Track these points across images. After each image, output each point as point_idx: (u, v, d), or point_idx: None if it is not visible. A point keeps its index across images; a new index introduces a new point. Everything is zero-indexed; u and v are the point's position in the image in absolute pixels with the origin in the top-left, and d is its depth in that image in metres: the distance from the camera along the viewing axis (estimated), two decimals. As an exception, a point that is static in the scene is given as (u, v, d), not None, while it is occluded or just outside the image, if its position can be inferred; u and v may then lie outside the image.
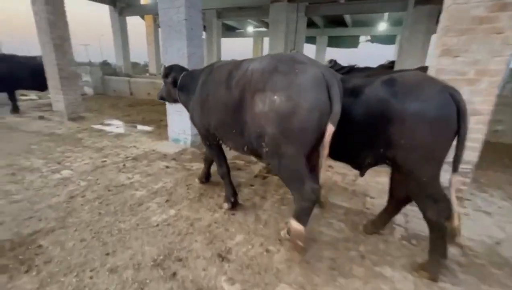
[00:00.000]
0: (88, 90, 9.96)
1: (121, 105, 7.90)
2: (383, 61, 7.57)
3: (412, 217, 2.48)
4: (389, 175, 2.08)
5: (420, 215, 1.78)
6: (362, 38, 16.21)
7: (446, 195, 1.69)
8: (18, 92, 7.02)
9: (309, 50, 16.16)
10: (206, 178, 3.04)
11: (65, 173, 3.18)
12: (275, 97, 1.61)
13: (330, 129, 1.57)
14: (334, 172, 3.48)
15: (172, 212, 2.45)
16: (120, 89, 9.86)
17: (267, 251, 1.99)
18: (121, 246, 1.97)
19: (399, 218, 2.45)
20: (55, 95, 5.90)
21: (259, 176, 3.29)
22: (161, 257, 1.87)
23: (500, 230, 2.34)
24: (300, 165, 1.73)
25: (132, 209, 2.47)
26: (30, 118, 5.94)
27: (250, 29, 17.24)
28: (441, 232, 1.73)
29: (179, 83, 2.57)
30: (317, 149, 1.71)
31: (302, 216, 1.80)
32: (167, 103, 4.13)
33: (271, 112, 1.64)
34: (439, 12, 2.80)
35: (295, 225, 1.78)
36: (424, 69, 3.63)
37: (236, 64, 2.05)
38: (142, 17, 14.02)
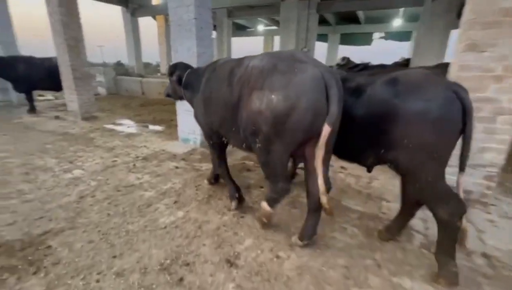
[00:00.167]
0: (102, 90, 10.16)
1: (133, 105, 8.00)
2: (397, 58, 7.33)
3: (431, 223, 2.32)
4: (399, 177, 1.95)
5: None
6: (376, 35, 15.76)
7: (456, 194, 1.63)
8: (35, 93, 7.25)
9: (321, 48, 15.85)
10: (214, 178, 2.99)
11: (77, 172, 3.21)
12: (273, 96, 1.62)
13: (326, 130, 1.55)
14: (347, 174, 3.35)
15: (180, 214, 2.41)
16: (132, 89, 10.01)
17: (277, 257, 1.91)
18: (128, 248, 1.94)
19: (417, 224, 2.31)
20: (69, 95, 6.02)
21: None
22: (168, 261, 1.82)
23: (531, 239, 2.16)
24: (282, 162, 1.85)
25: (141, 210, 2.44)
26: (46, 118, 6.09)
27: (261, 27, 17.14)
28: (453, 233, 1.64)
29: (183, 80, 2.58)
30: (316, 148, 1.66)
31: (271, 202, 2.05)
32: (176, 102, 4.12)
33: (268, 111, 1.65)
34: (460, 5, 2.62)
35: (265, 206, 2.06)
36: (444, 66, 3.45)
37: (238, 62, 2.05)
38: (154, 18, 14.20)
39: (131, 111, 7.16)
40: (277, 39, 15.81)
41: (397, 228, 2.11)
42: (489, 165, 2.58)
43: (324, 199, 1.70)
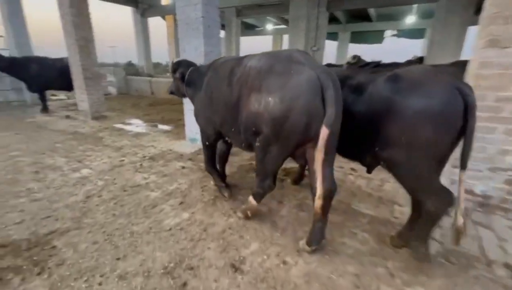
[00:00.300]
0: (112, 90, 10.32)
1: (142, 105, 8.07)
2: (409, 56, 7.10)
3: (448, 230, 2.20)
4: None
5: None
6: (387, 33, 15.36)
7: (447, 188, 1.67)
8: (49, 92, 7.42)
9: (331, 46, 15.59)
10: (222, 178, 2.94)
11: (85, 172, 3.23)
12: (270, 98, 1.66)
13: (324, 132, 1.53)
14: (357, 176, 3.24)
15: (185, 215, 2.37)
16: (142, 89, 10.12)
17: (284, 263, 1.83)
18: (132, 250, 1.91)
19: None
20: (80, 95, 6.11)
21: (276, 179, 3.12)
22: (172, 265, 1.78)
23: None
24: (277, 163, 1.91)
25: (146, 211, 2.42)
26: (57, 117, 6.20)
27: (270, 26, 17.01)
28: (433, 222, 1.74)
29: (186, 78, 2.62)
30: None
31: (257, 196, 2.15)
32: (184, 102, 4.10)
33: (266, 113, 1.69)
34: (478, 1, 2.47)
35: (252, 200, 2.18)
36: (461, 63, 3.29)
37: (238, 61, 2.08)
38: (163, 18, 14.30)
39: (140, 110, 7.22)
40: (286, 38, 15.63)
41: (409, 233, 2.01)
42: (511, 169, 2.43)
43: (318, 202, 1.68)
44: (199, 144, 4.26)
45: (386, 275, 1.75)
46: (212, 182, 2.97)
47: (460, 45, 6.98)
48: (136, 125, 5.68)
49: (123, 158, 3.69)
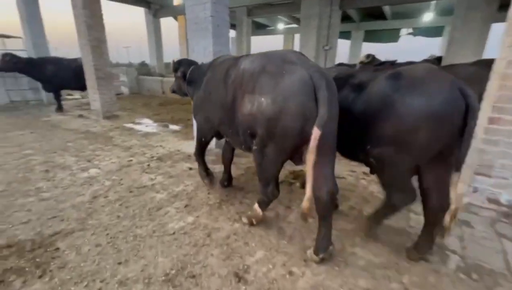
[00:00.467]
0: (124, 90, 10.49)
1: (153, 104, 8.14)
2: (425, 55, 6.80)
3: (470, 242, 2.04)
4: (418, 181, 1.76)
5: (482, 241, 1.78)
6: (403, 31, 14.87)
7: (414, 188, 1.74)
8: (65, 92, 7.59)
9: (344, 45, 15.26)
10: (227, 180, 2.88)
11: (93, 171, 3.24)
12: (262, 99, 1.64)
13: (316, 133, 1.49)
14: (370, 181, 3.09)
15: (190, 219, 2.31)
16: (153, 89, 10.23)
17: (290, 273, 1.74)
18: (134, 255, 1.87)
19: (453, 242, 2.04)
20: (93, 94, 6.21)
21: (284, 182, 3.03)
22: (174, 272, 1.72)
23: None
24: (275, 166, 1.86)
25: (151, 214, 2.38)
26: (71, 117, 6.34)
27: (281, 26, 16.86)
28: (393, 212, 1.91)
29: (187, 77, 2.65)
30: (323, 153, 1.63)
31: (262, 205, 2.12)
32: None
33: (259, 114, 1.67)
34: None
35: (257, 208, 2.15)
36: (484, 62, 3.08)
37: (234, 61, 2.07)
38: (175, 18, 14.43)
39: (150, 110, 7.28)
40: (297, 37, 15.45)
41: (426, 242, 1.87)
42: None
43: (305, 204, 1.63)
44: (207, 145, 4.21)
45: (401, 291, 1.62)
46: (218, 185, 2.91)
47: (482, 44, 6.61)
48: (146, 124, 5.71)
49: (131, 158, 3.69)
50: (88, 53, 5.72)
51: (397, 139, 1.57)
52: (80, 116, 6.34)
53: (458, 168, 1.52)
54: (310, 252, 1.85)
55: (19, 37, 8.10)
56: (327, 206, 1.72)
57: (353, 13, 12.63)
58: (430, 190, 1.71)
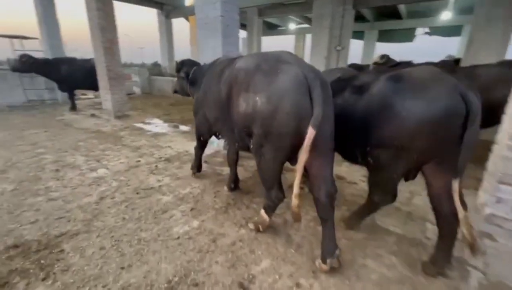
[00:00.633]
0: (136, 90, 10.65)
1: (164, 104, 8.20)
2: (442, 56, 6.53)
3: (493, 257, 1.88)
4: (426, 188, 1.71)
5: (505, 256, 1.65)
6: (419, 31, 14.41)
7: (396, 190, 1.83)
8: (79, 92, 7.74)
9: (357, 45, 14.93)
10: (234, 183, 2.83)
11: (101, 172, 3.25)
12: (257, 98, 1.63)
13: (311, 132, 1.47)
14: (383, 187, 2.95)
15: (195, 223, 2.26)
16: (164, 89, 10.32)
17: (298, 285, 1.65)
18: (138, 259, 1.83)
19: (474, 256, 1.88)
20: (104, 94, 6.31)
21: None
22: (177, 279, 1.67)
23: None
24: (275, 168, 1.83)
25: (156, 217, 2.34)
26: (84, 116, 6.46)
27: (292, 26, 16.70)
28: (374, 209, 2.03)
29: (190, 77, 2.73)
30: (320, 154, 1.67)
31: (268, 210, 2.07)
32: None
33: (254, 113, 1.66)
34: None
35: (263, 214, 2.10)
36: (509, 63, 2.89)
37: (230, 62, 2.10)
38: (187, 19, 14.55)
39: (161, 110, 7.33)
40: (308, 37, 15.25)
41: (443, 255, 1.75)
42: None
43: (295, 202, 1.63)
44: (215, 147, 4.18)
45: (417, 309, 1.50)
46: (225, 187, 2.87)
47: (505, 44, 6.27)
48: (156, 125, 5.74)
49: (139, 159, 3.69)
50: (100, 54, 5.81)
51: (393, 142, 1.57)
52: (92, 115, 6.45)
53: (456, 175, 1.48)
54: (318, 261, 1.77)
55: (36, 38, 8.34)
56: (327, 207, 1.70)
57: (367, 13, 12.34)
58: (439, 197, 1.64)
